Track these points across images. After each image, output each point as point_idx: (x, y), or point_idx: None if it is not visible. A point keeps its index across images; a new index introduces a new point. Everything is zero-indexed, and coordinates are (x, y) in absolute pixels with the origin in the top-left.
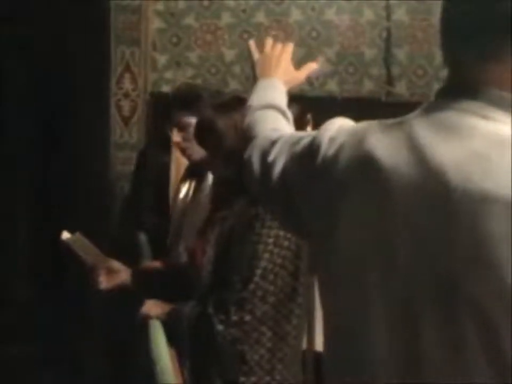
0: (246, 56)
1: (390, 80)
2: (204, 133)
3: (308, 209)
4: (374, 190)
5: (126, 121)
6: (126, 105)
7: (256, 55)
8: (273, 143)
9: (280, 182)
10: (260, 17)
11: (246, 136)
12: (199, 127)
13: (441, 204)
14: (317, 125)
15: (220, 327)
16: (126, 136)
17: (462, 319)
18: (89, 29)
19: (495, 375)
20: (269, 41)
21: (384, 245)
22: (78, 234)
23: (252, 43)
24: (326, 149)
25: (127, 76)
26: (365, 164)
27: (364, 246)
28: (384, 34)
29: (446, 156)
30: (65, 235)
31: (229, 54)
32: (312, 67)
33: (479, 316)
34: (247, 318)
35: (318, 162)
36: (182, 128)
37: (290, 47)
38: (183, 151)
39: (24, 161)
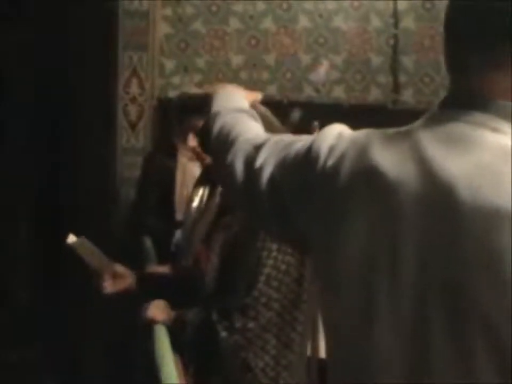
0: (254, 61)
1: (396, 88)
2: (207, 138)
3: (306, 217)
4: (380, 202)
5: (132, 126)
6: (133, 110)
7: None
8: (258, 148)
9: (269, 189)
10: (268, 23)
11: (219, 140)
12: (202, 132)
13: (450, 217)
14: None
15: (223, 334)
16: (133, 140)
17: (470, 329)
18: (97, 34)
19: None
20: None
21: (391, 257)
22: (83, 238)
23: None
24: (326, 158)
25: (134, 80)
26: (370, 176)
27: (371, 257)
28: (392, 41)
29: (455, 169)
30: (71, 239)
31: (237, 60)
32: (258, 96)
33: (486, 326)
34: (251, 324)
35: (318, 172)
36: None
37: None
38: (198, 156)
39: (27, 164)
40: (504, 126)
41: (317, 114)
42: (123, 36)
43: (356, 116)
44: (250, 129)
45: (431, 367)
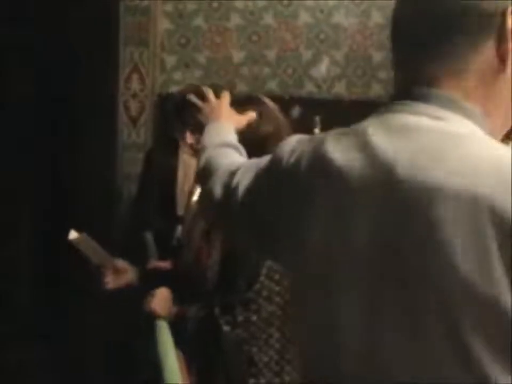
0: (255, 57)
1: None
2: None
3: (276, 218)
4: (333, 190)
5: (133, 121)
6: (134, 105)
7: (200, 102)
8: (232, 173)
9: (244, 202)
10: (269, 19)
11: (205, 172)
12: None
13: (393, 197)
14: (324, 128)
15: (226, 328)
16: (134, 136)
17: (422, 306)
18: (98, 29)
19: (461, 368)
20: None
21: (347, 240)
22: (84, 234)
23: (192, 97)
24: (288, 158)
25: (135, 76)
26: (323, 166)
27: (330, 243)
28: None
29: (396, 153)
30: (72, 235)
31: (237, 56)
32: (252, 116)
33: (438, 303)
34: (253, 318)
35: (282, 171)
36: (196, 129)
37: (227, 97)
38: (196, 152)
39: (27, 161)
40: (445, 114)
41: (318, 110)
42: (124, 31)
43: (357, 111)
44: (230, 161)
45: (389, 349)
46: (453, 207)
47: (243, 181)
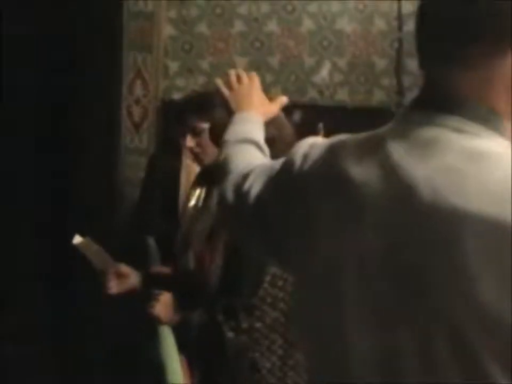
0: (258, 64)
1: (400, 91)
2: (218, 136)
3: (286, 225)
4: (348, 205)
5: (136, 127)
6: (136, 111)
7: (226, 92)
8: (245, 176)
9: (255, 207)
10: (272, 25)
11: (221, 170)
12: (213, 129)
13: (411, 219)
14: (327, 134)
15: (230, 335)
16: (136, 142)
17: (431, 329)
18: (102, 34)
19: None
20: (233, 76)
21: (358, 257)
22: (88, 239)
23: (219, 82)
24: (301, 164)
25: (138, 82)
26: (339, 180)
27: (339, 259)
28: (396, 44)
29: (418, 172)
30: (76, 239)
31: (241, 62)
32: (283, 100)
33: (448, 328)
34: (257, 325)
35: (293, 178)
36: (196, 133)
37: (256, 78)
38: (196, 156)
39: (29, 164)
40: (472, 127)
41: (321, 116)
42: (127, 37)
43: (359, 118)
44: (247, 162)
45: (396, 362)
46: (473, 231)
47: (255, 185)
